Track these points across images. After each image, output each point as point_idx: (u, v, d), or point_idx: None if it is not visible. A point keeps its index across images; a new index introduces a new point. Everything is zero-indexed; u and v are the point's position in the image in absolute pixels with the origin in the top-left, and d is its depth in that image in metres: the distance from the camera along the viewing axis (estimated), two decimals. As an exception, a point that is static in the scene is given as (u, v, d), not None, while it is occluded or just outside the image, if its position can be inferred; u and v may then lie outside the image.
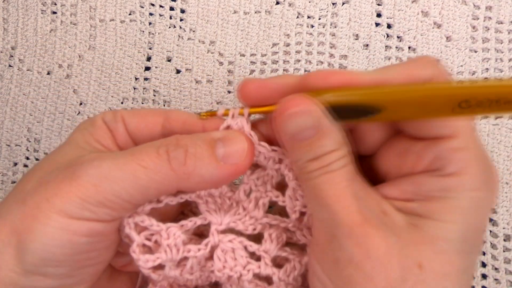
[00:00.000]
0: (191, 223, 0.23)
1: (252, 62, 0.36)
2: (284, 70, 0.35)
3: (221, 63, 0.36)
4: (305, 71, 0.35)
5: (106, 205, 0.21)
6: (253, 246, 0.23)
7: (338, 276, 0.20)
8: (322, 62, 0.35)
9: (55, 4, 0.38)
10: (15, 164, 0.37)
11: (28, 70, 0.37)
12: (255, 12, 0.36)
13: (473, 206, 0.20)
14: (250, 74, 0.36)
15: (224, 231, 0.23)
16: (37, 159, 0.36)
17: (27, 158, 0.37)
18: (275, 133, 0.22)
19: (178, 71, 0.36)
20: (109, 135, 0.25)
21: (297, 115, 0.20)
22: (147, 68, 0.37)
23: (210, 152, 0.21)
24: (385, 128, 0.23)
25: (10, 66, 0.38)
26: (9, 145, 0.37)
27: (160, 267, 0.23)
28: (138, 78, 0.36)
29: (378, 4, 0.35)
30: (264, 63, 0.36)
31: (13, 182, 0.36)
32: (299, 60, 0.35)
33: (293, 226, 0.24)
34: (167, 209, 0.24)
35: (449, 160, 0.20)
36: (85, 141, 0.24)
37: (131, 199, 0.21)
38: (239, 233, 0.23)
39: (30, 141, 0.37)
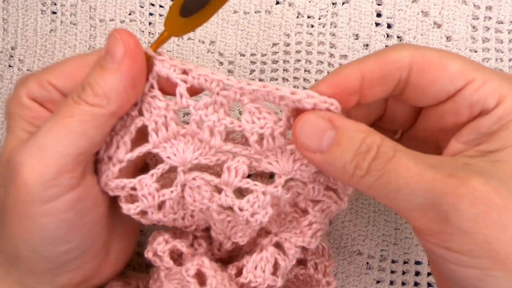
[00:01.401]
0: (159, 170, 0.25)
1: (252, 62, 0.36)
2: (284, 70, 0.35)
3: (221, 63, 0.36)
4: (305, 71, 0.35)
5: (64, 170, 0.22)
6: (214, 181, 0.24)
7: (474, 245, 0.19)
8: (322, 62, 0.35)
9: (55, 4, 0.38)
10: (16, 164, 0.37)
11: (28, 70, 0.37)
12: (255, 12, 0.36)
13: None
14: (250, 74, 0.36)
15: (192, 169, 0.25)
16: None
17: (28, 158, 0.37)
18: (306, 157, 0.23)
19: (178, 71, 0.36)
20: (43, 112, 0.25)
21: (311, 126, 0.22)
22: (147, 68, 0.37)
23: (103, 69, 0.22)
24: (407, 105, 0.25)
25: (10, 66, 0.38)
26: (9, 145, 0.37)
27: (146, 213, 0.25)
28: (138, 78, 0.36)
29: (378, 4, 0.35)
30: (264, 63, 0.36)
31: (14, 182, 0.36)
32: (299, 60, 0.35)
33: (256, 153, 0.24)
34: (136, 162, 0.26)
35: (484, 98, 0.21)
36: (20, 128, 0.24)
37: (79, 151, 0.22)
38: (207, 167, 0.25)
39: (30, 141, 0.37)
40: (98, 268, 0.26)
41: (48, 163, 0.22)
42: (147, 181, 0.25)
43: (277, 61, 0.35)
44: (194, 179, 0.24)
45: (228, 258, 0.29)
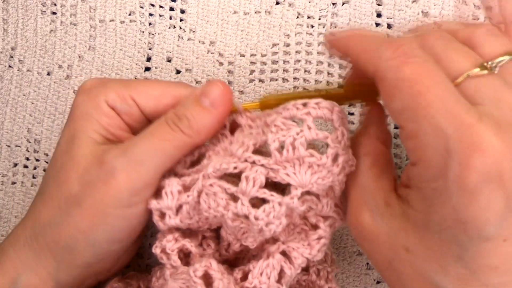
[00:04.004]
0: (189, 177, 0.26)
1: (252, 63, 0.36)
2: (284, 70, 0.35)
3: (221, 64, 0.36)
4: (305, 71, 0.35)
5: (151, 184, 0.26)
6: (231, 189, 0.25)
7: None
8: (322, 62, 0.35)
9: (55, 4, 0.38)
10: (15, 165, 0.37)
11: (28, 70, 0.37)
12: (255, 13, 0.36)
13: (436, 197, 0.20)
14: (250, 74, 0.36)
15: (218, 175, 0.26)
16: (37, 160, 0.36)
17: (27, 159, 0.37)
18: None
19: (178, 72, 0.36)
20: (118, 121, 0.28)
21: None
22: (147, 69, 0.37)
23: (200, 107, 0.26)
24: None
25: (10, 66, 0.38)
26: (9, 146, 0.37)
27: (164, 216, 0.26)
28: (138, 79, 0.36)
29: (378, 4, 0.35)
30: (264, 63, 0.36)
31: (13, 183, 0.36)
32: (299, 60, 0.35)
33: (275, 163, 0.25)
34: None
35: (408, 147, 0.21)
36: (95, 131, 0.27)
37: (165, 169, 0.26)
38: (232, 175, 0.26)
39: (30, 142, 0.37)
40: (111, 265, 0.29)
41: (142, 175, 0.25)
42: (173, 181, 0.26)
43: (277, 62, 0.35)
44: (211, 185, 0.25)
45: (234, 260, 0.29)
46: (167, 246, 0.26)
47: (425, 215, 0.21)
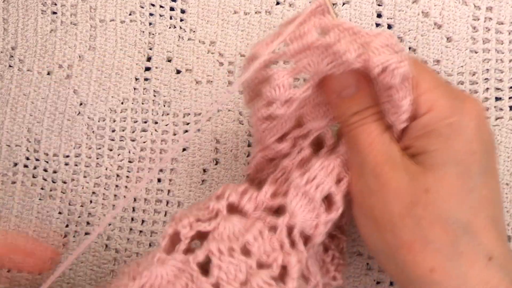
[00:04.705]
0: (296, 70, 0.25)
1: (252, 63, 0.36)
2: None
3: (221, 64, 0.36)
4: (305, 71, 0.35)
5: None
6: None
7: (365, 204, 0.25)
8: (322, 63, 0.35)
9: (55, 4, 0.38)
10: (15, 164, 0.37)
11: (28, 70, 0.37)
12: (256, 13, 0.36)
13: (452, 131, 0.23)
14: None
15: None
16: (37, 160, 0.36)
17: (27, 159, 0.37)
18: (325, 93, 0.26)
19: (178, 72, 0.36)
20: None
21: (342, 76, 0.24)
22: (147, 69, 0.37)
23: None
24: None
25: (10, 66, 0.38)
26: (9, 146, 0.37)
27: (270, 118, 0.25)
28: (138, 79, 0.36)
29: (379, 5, 0.35)
30: (264, 64, 0.36)
31: (13, 182, 0.36)
32: (299, 61, 0.35)
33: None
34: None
35: (419, 103, 0.24)
36: None
37: None
38: None
39: (30, 142, 0.37)
40: None
41: None
42: (284, 73, 0.24)
43: (277, 62, 0.35)
44: None
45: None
46: (182, 232, 0.24)
47: (441, 152, 0.23)
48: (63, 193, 0.36)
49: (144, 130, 0.36)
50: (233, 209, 0.26)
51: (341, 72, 0.23)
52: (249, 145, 0.35)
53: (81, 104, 0.37)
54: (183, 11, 0.37)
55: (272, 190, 0.26)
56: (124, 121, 0.36)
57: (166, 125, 0.36)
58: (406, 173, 0.24)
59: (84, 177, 0.36)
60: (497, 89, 0.33)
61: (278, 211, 0.25)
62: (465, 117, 0.24)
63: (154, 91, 0.36)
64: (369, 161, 0.24)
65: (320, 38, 0.23)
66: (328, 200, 0.25)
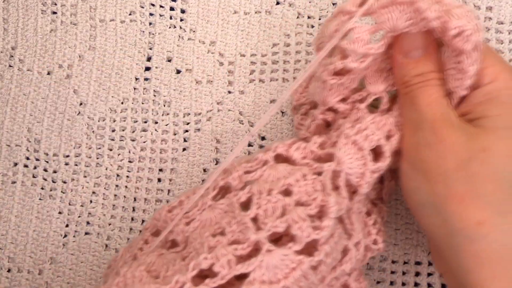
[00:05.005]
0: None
1: (253, 62, 0.36)
2: (284, 70, 0.35)
3: (221, 64, 0.36)
4: (305, 71, 0.35)
5: None
6: None
7: (417, 157, 0.25)
8: (322, 62, 0.35)
9: (55, 4, 0.38)
10: (15, 164, 0.37)
11: (28, 70, 0.37)
12: (256, 12, 0.36)
13: None
14: (250, 74, 0.36)
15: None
16: (37, 159, 0.36)
17: (27, 158, 0.37)
18: (394, 53, 0.27)
19: (178, 72, 0.36)
20: None
21: (414, 37, 0.25)
22: (147, 69, 0.37)
23: None
24: None
25: (10, 66, 0.38)
26: (9, 145, 0.37)
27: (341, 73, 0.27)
28: (138, 79, 0.36)
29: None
30: (264, 63, 0.36)
31: (13, 182, 0.36)
32: (299, 60, 0.35)
33: None
34: None
35: (483, 74, 0.25)
36: None
37: None
38: None
39: (30, 141, 0.37)
40: None
41: None
42: (364, 28, 0.25)
43: (277, 61, 0.35)
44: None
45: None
46: (232, 184, 0.26)
47: (503, 117, 0.24)
48: (63, 193, 0.36)
49: (144, 130, 0.36)
50: (281, 159, 0.27)
51: (416, 31, 0.25)
52: (249, 145, 0.35)
53: (81, 104, 0.37)
54: (183, 11, 0.37)
55: (321, 140, 0.27)
56: (124, 121, 0.36)
57: (166, 125, 0.36)
58: (464, 133, 0.24)
59: (84, 177, 0.36)
60: (497, 88, 0.33)
61: (326, 161, 0.27)
62: None
63: (154, 91, 0.36)
64: (428, 117, 0.25)
65: None
66: (376, 153, 0.26)
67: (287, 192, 0.25)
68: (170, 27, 0.37)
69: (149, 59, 0.37)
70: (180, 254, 0.26)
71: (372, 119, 0.27)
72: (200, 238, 0.25)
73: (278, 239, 0.24)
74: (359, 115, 0.28)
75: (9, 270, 0.35)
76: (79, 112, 0.37)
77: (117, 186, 0.36)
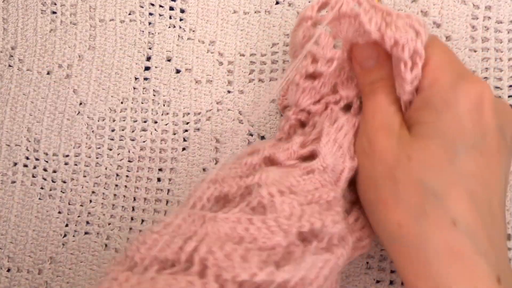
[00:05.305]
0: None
1: (252, 62, 0.36)
2: (283, 70, 0.35)
3: (221, 63, 0.36)
4: (304, 70, 0.35)
5: None
6: None
7: (359, 163, 0.27)
8: (321, 62, 0.35)
9: (55, 4, 0.38)
10: (15, 164, 0.37)
11: (28, 70, 0.37)
12: (255, 12, 0.36)
13: (445, 106, 0.25)
14: (250, 74, 0.36)
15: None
16: (37, 159, 0.37)
17: (27, 158, 0.37)
18: (352, 64, 0.29)
19: (178, 71, 0.36)
20: None
21: (366, 49, 0.27)
22: (147, 68, 0.37)
23: None
24: None
25: (10, 66, 0.38)
26: (9, 145, 0.37)
27: (313, 77, 0.29)
28: (138, 78, 0.37)
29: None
30: (264, 63, 0.36)
31: (13, 182, 0.36)
32: (298, 60, 0.35)
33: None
34: None
35: (424, 79, 0.26)
36: None
37: None
38: None
39: (30, 141, 0.37)
40: None
41: None
42: (328, 35, 0.28)
43: (277, 61, 0.35)
44: None
45: None
46: (230, 192, 0.26)
47: (431, 124, 0.25)
48: (63, 192, 0.36)
49: (143, 130, 0.36)
50: (268, 161, 0.28)
51: (364, 42, 0.27)
52: (249, 144, 0.35)
53: (80, 103, 0.37)
54: (182, 11, 0.37)
55: (301, 140, 0.28)
56: (124, 120, 0.36)
57: (166, 125, 0.36)
58: (397, 141, 0.26)
59: (84, 176, 0.36)
60: (496, 87, 0.33)
61: (308, 159, 0.28)
62: (462, 95, 0.25)
63: (153, 90, 0.36)
64: (368, 126, 0.27)
65: (352, 9, 0.27)
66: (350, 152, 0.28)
67: (292, 193, 0.26)
68: (169, 27, 0.37)
69: (148, 58, 0.37)
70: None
71: (346, 118, 0.28)
72: (223, 250, 0.23)
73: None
74: (334, 114, 0.29)
75: (8, 270, 0.35)
76: (79, 112, 0.37)
77: (116, 185, 0.36)
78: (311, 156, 0.28)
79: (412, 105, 0.27)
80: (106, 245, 0.35)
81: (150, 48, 0.37)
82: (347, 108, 0.30)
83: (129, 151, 0.36)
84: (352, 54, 0.28)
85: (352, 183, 0.29)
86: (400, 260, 0.24)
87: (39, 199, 0.36)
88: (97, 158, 0.36)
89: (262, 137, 0.35)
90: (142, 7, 0.37)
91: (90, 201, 0.36)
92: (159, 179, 0.36)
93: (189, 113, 0.36)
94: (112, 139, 0.36)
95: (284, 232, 0.24)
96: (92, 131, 0.36)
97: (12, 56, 0.38)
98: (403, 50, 0.26)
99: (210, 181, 0.27)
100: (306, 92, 0.29)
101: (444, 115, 0.25)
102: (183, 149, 0.36)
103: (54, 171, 0.36)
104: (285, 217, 0.24)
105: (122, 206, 0.35)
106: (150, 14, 0.37)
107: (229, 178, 0.27)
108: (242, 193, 0.26)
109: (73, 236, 0.35)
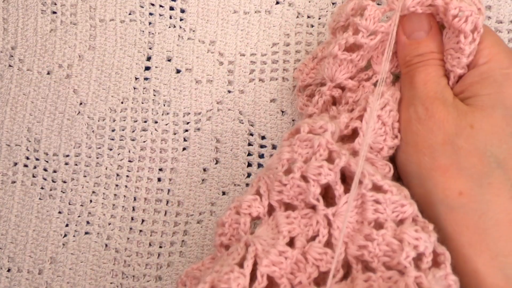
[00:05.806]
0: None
1: (252, 62, 0.36)
2: (284, 69, 0.35)
3: (221, 63, 0.36)
4: (305, 70, 0.35)
5: None
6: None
7: (409, 130, 0.27)
8: (322, 62, 0.35)
9: (55, 4, 0.38)
10: (15, 164, 0.37)
11: (28, 70, 0.37)
12: (255, 12, 0.36)
13: (506, 80, 0.26)
14: (250, 74, 0.36)
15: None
16: (37, 159, 0.36)
17: (27, 158, 0.37)
18: (398, 34, 0.29)
19: (178, 71, 0.36)
20: None
21: (418, 19, 0.28)
22: (147, 68, 0.37)
23: None
24: None
25: (10, 66, 0.38)
26: (9, 145, 0.37)
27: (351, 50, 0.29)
28: (138, 78, 0.37)
29: (378, 4, 0.35)
30: (264, 63, 0.36)
31: (13, 182, 0.36)
32: (299, 60, 0.35)
33: None
34: None
35: (480, 55, 0.27)
36: None
37: None
38: None
39: (30, 141, 0.37)
40: None
41: None
42: (376, 7, 0.28)
43: (277, 61, 0.36)
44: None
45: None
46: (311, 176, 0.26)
47: (493, 96, 0.26)
48: (63, 192, 0.36)
49: (144, 130, 0.36)
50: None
51: (420, 14, 0.27)
52: (249, 144, 0.35)
53: (81, 103, 0.37)
54: (182, 11, 0.37)
55: (348, 117, 0.28)
56: (124, 120, 0.36)
57: (166, 125, 0.36)
58: (455, 110, 0.26)
59: (84, 176, 0.36)
60: (497, 87, 0.33)
61: (348, 137, 0.29)
62: None
63: (154, 90, 0.36)
64: (422, 94, 0.27)
65: None
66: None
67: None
68: (169, 27, 0.37)
69: (149, 58, 0.37)
70: None
71: (391, 93, 0.28)
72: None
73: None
74: (366, 90, 0.29)
75: (9, 270, 0.35)
76: (79, 112, 0.37)
77: (117, 185, 0.36)
78: (351, 135, 0.28)
79: (465, 80, 0.27)
80: (106, 245, 0.35)
81: (150, 48, 0.37)
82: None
83: (129, 151, 0.36)
84: (402, 25, 0.28)
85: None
86: (455, 229, 0.25)
87: (39, 199, 0.36)
88: (97, 158, 0.36)
89: (263, 137, 0.35)
90: (142, 7, 0.37)
91: (91, 201, 0.36)
92: (159, 179, 0.36)
93: (189, 113, 0.36)
94: (113, 139, 0.36)
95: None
96: (93, 131, 0.36)
97: (12, 56, 0.38)
98: (466, 22, 0.26)
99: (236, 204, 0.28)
100: (344, 65, 0.29)
101: (506, 88, 0.26)
102: (184, 149, 0.36)
103: (55, 171, 0.36)
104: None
105: (123, 206, 0.35)
106: (150, 14, 0.37)
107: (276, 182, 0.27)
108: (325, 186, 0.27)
109: (74, 236, 0.35)
